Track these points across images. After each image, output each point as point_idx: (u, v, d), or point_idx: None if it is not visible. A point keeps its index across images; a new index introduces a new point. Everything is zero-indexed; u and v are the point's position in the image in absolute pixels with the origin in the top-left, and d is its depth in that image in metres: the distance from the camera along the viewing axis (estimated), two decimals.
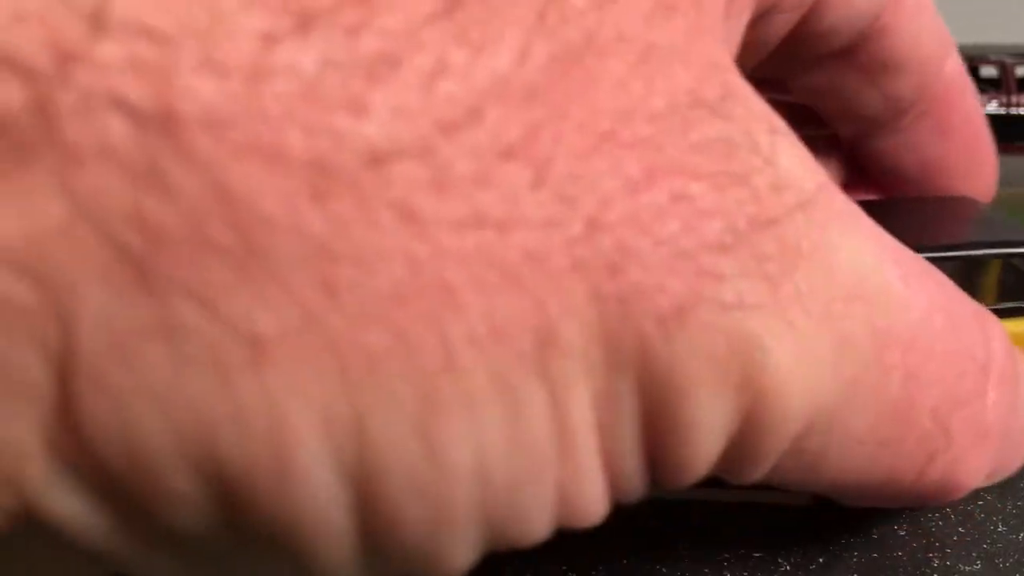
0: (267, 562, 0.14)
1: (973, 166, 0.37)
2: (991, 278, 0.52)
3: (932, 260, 0.50)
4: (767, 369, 0.16)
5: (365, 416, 0.13)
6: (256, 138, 0.11)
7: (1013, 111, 1.01)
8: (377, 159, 0.12)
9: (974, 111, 0.36)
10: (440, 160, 0.13)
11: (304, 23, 0.12)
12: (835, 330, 0.17)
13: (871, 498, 0.25)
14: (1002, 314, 0.52)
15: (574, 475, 0.16)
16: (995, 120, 1.05)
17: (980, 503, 0.46)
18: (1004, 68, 1.03)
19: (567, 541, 0.43)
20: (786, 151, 0.17)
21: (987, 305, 0.51)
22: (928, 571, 0.42)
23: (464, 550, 0.16)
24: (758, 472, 0.19)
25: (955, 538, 0.43)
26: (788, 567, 0.42)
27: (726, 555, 0.43)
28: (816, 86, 0.32)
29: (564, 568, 0.39)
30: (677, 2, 0.15)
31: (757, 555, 0.43)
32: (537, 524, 0.17)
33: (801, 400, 0.17)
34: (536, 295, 0.14)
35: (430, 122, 0.13)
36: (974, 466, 0.24)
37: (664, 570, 0.41)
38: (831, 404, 0.18)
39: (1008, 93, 1.02)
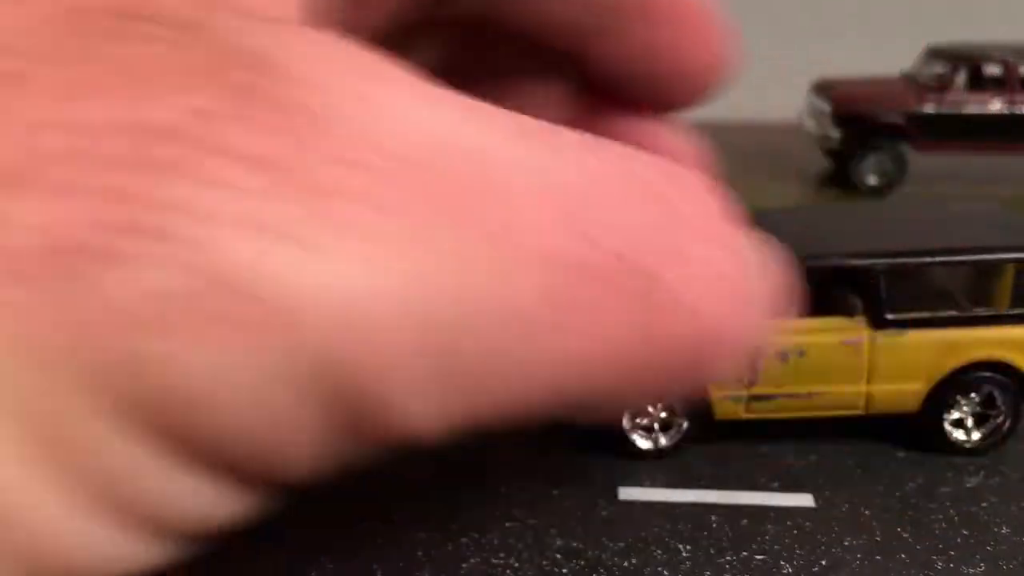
0: None
1: (695, 43, 0.35)
2: (1006, 282, 0.52)
3: (946, 264, 0.51)
4: (310, 298, 0.13)
5: None
6: None
7: (1016, 110, 1.01)
8: None
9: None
10: None
11: None
12: (415, 200, 0.14)
13: (633, 380, 0.20)
14: (1014, 320, 0.51)
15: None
16: (998, 120, 1.05)
17: (984, 505, 0.46)
18: (1007, 67, 1.02)
19: (567, 542, 0.43)
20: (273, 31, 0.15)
21: (1001, 310, 0.51)
22: (931, 573, 0.42)
23: None
24: (408, 410, 0.15)
25: (959, 540, 0.44)
26: (790, 570, 0.42)
27: (728, 558, 0.44)
28: (517, 9, 0.32)
29: (565, 572, 0.39)
30: None
31: (760, 558, 0.43)
32: None
33: (386, 302, 0.14)
34: None
35: None
36: (718, 297, 0.20)
37: (666, 573, 0.41)
38: (449, 286, 0.15)
39: (1012, 92, 1.02)
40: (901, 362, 0.47)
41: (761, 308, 0.23)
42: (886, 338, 0.47)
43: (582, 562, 0.41)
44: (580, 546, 0.42)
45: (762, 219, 0.53)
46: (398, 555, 0.39)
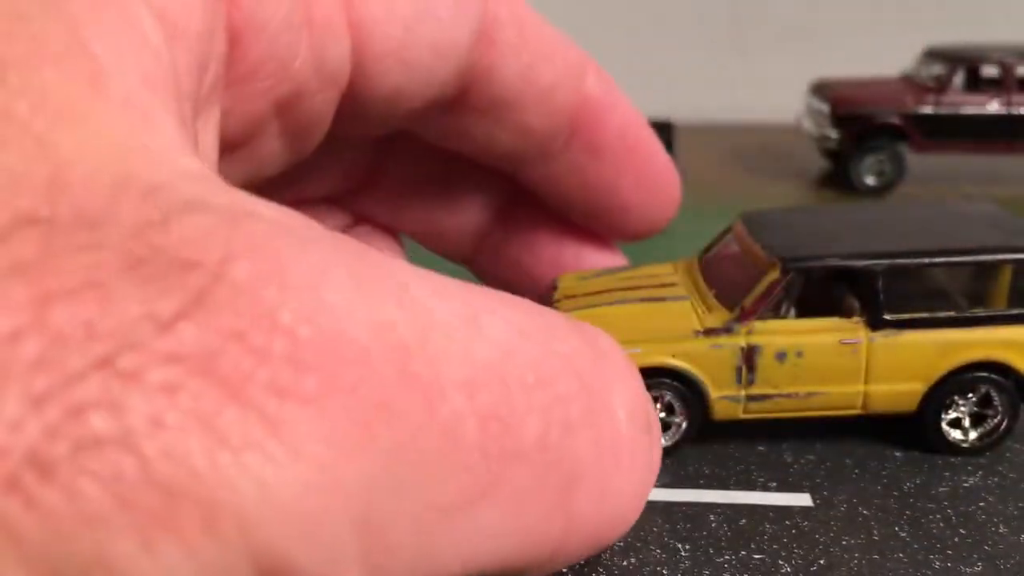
0: None
1: (638, 180, 0.35)
2: (1003, 282, 0.52)
3: (943, 264, 0.51)
4: (234, 493, 0.14)
5: None
6: None
7: (1014, 111, 1.01)
8: None
9: (630, 126, 0.34)
10: None
11: None
12: (350, 403, 0.15)
13: (539, 563, 0.21)
14: (1011, 320, 0.51)
15: None
16: (996, 120, 1.05)
17: (981, 505, 0.46)
18: (1005, 67, 1.03)
19: None
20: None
21: (998, 310, 0.51)
22: (929, 573, 0.42)
23: None
24: None
25: (956, 540, 0.44)
26: (789, 569, 0.42)
27: (727, 557, 0.43)
28: (448, 134, 0.32)
29: (564, 571, 0.39)
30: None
31: (758, 557, 0.43)
32: None
33: (317, 499, 0.14)
34: None
35: None
36: (627, 486, 0.21)
37: (665, 572, 0.41)
38: (384, 483, 0.16)
39: (1009, 92, 1.02)
40: (898, 362, 0.47)
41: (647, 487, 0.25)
42: (883, 338, 0.47)
43: (581, 562, 0.41)
44: None
45: (759, 219, 0.54)
46: None
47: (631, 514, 0.22)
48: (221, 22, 0.23)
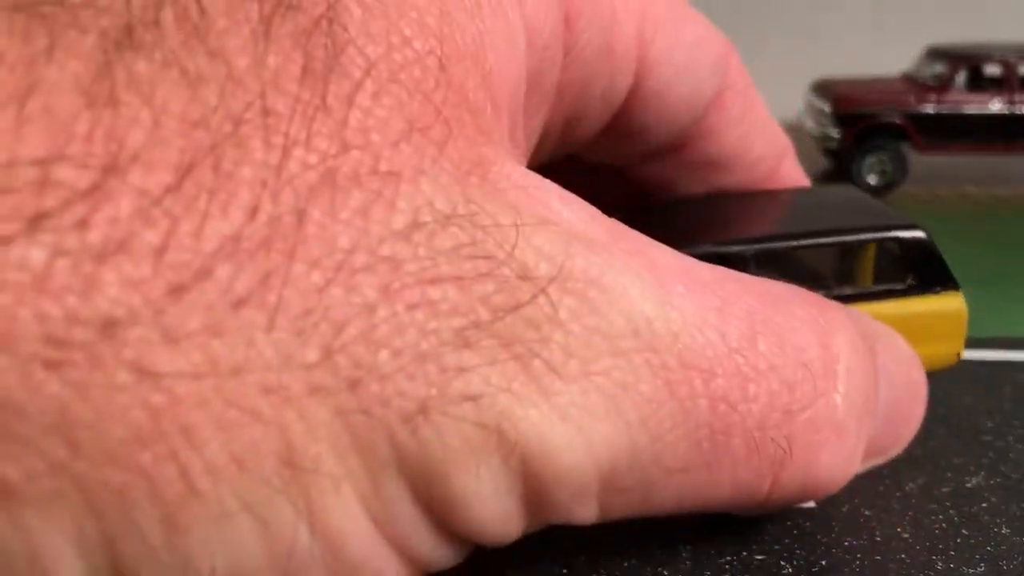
0: None
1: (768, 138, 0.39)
2: (867, 261, 0.55)
3: (809, 246, 0.52)
4: (526, 437, 0.18)
5: (115, 539, 0.15)
6: None
7: (1016, 110, 1.01)
8: (109, 327, 0.14)
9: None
10: (170, 320, 0.15)
11: (33, 224, 0.14)
12: (607, 382, 0.19)
13: (744, 510, 0.27)
14: (877, 296, 0.54)
15: (352, 565, 0.18)
16: (998, 120, 1.05)
17: (984, 505, 0.45)
18: (1007, 67, 1.02)
19: (567, 542, 0.43)
20: (536, 234, 0.19)
21: (864, 287, 0.53)
22: (932, 574, 0.42)
23: None
24: (581, 516, 0.21)
25: (959, 540, 0.43)
26: (791, 570, 0.41)
27: (728, 558, 0.43)
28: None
29: (564, 571, 0.39)
30: (431, 122, 0.18)
31: (760, 558, 0.42)
32: None
33: (575, 453, 0.19)
34: (277, 423, 0.15)
35: (159, 288, 0.14)
36: (835, 461, 0.26)
37: (665, 572, 0.41)
38: (625, 445, 0.20)
39: (1011, 91, 1.02)
40: None
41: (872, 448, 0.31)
42: None
43: (581, 561, 0.41)
44: (580, 545, 0.42)
45: (644, 213, 0.56)
46: None
47: (838, 481, 0.27)
48: (560, 34, 0.25)
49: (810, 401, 0.23)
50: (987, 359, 0.62)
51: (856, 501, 0.48)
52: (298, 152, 0.16)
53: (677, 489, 0.22)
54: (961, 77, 1.04)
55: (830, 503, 0.46)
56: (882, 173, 1.03)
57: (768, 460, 0.23)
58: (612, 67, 0.27)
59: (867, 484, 0.49)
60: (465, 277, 0.17)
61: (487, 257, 0.18)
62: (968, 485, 0.48)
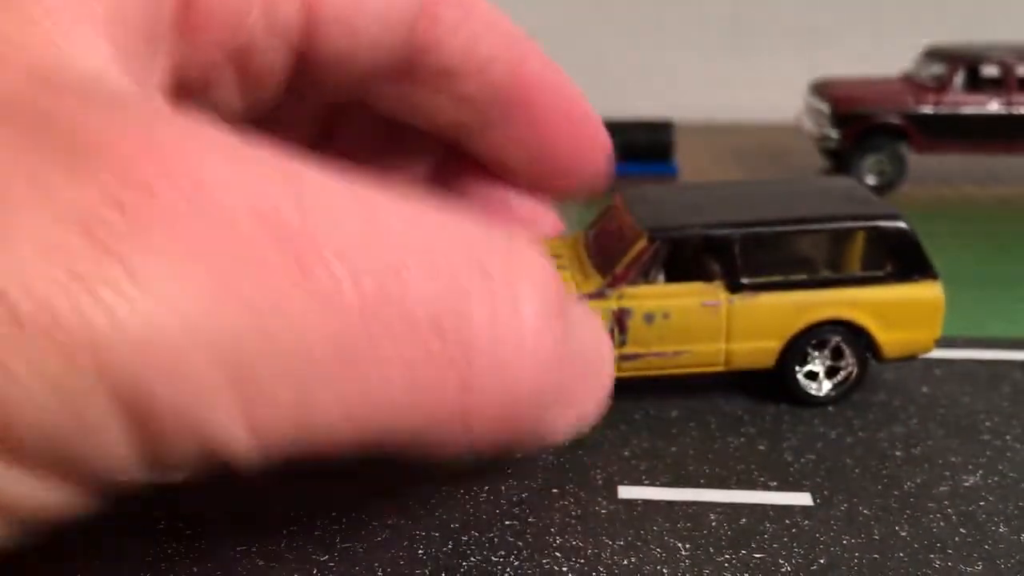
0: None
1: (574, 151, 0.39)
2: (855, 249, 0.58)
3: (792, 232, 0.54)
4: (96, 338, 0.16)
5: None
6: None
7: (1014, 110, 1.01)
8: None
9: (567, 102, 0.38)
10: None
11: None
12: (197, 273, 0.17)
13: (449, 435, 0.22)
14: (857, 282, 0.57)
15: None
16: (996, 120, 1.05)
17: (982, 504, 0.46)
18: (1005, 67, 1.03)
19: (567, 540, 0.44)
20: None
21: (847, 274, 0.55)
22: (929, 572, 0.42)
23: None
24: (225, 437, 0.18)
25: (956, 539, 0.43)
26: (789, 568, 0.42)
27: (727, 556, 0.43)
28: (395, 104, 0.35)
29: (565, 570, 0.39)
30: None
31: (758, 556, 0.43)
32: None
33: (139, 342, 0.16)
34: None
35: None
36: (525, 389, 0.23)
37: (665, 571, 0.41)
38: (245, 335, 0.17)
39: (1009, 92, 1.02)
40: (756, 322, 0.53)
41: (576, 383, 0.28)
42: (741, 301, 0.52)
43: (581, 560, 0.41)
44: (580, 544, 0.42)
45: (635, 195, 0.58)
46: (399, 553, 0.40)
47: (547, 394, 0.24)
48: None
49: (487, 304, 0.22)
50: (986, 359, 0.62)
51: (855, 500, 0.47)
52: None
53: (345, 396, 0.19)
54: (959, 77, 1.04)
55: (828, 502, 0.47)
56: (881, 173, 1.04)
57: (448, 362, 0.21)
58: None
59: (866, 483, 0.48)
60: None
61: None
62: (966, 484, 0.48)
